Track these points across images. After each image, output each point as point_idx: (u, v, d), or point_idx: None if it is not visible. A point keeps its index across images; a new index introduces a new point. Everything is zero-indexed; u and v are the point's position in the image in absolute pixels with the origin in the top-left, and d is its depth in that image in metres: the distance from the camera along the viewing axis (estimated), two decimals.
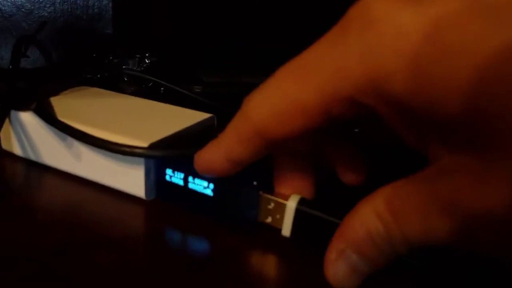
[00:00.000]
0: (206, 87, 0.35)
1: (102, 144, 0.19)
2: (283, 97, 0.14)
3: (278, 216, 0.18)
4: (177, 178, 0.19)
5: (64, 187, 0.21)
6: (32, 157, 0.23)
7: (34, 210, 0.19)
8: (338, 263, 0.14)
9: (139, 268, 0.16)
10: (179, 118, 0.23)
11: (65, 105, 0.23)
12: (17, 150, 0.23)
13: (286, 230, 0.17)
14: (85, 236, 0.17)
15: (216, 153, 0.16)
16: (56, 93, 0.25)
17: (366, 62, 0.12)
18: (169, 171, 0.19)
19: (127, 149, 0.18)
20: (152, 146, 0.19)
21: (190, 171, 0.19)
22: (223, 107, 0.30)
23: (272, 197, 0.17)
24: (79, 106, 0.23)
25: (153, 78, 0.33)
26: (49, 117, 0.21)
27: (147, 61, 0.46)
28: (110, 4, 0.41)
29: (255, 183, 0.17)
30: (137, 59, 0.46)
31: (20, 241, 0.17)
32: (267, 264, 0.17)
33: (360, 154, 0.19)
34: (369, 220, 0.13)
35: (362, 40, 0.12)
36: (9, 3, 0.40)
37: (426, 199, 0.12)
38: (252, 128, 0.15)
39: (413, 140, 0.14)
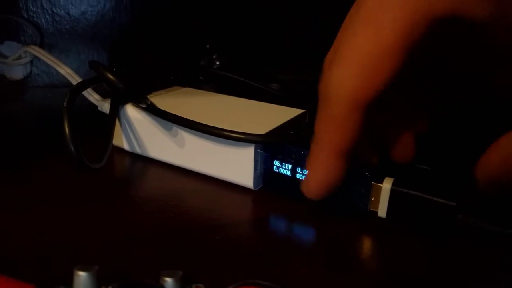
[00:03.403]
0: (282, 85, 0.36)
1: (219, 132, 0.20)
2: (362, 55, 0.14)
3: (373, 198, 0.18)
4: (284, 169, 0.20)
5: (172, 179, 0.23)
6: (139, 151, 0.25)
7: (147, 200, 0.21)
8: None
9: (246, 252, 0.17)
10: (276, 114, 0.24)
11: (167, 103, 0.25)
12: (126, 145, 0.25)
13: (382, 212, 0.18)
14: (197, 221, 0.19)
15: (321, 157, 0.16)
16: (150, 93, 0.27)
17: None
18: (276, 163, 0.20)
19: (242, 136, 0.20)
20: (266, 135, 0.20)
21: (298, 162, 0.20)
22: (309, 105, 0.31)
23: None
24: (180, 104, 0.25)
25: (239, 78, 0.34)
26: (162, 112, 0.23)
27: (217, 63, 0.48)
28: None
29: (367, 173, 0.18)
30: (207, 60, 0.48)
31: (138, 225, 0.18)
32: (371, 249, 0.18)
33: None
34: None
35: None
36: (94, 12, 0.43)
37: None
38: (346, 102, 0.14)
39: None
